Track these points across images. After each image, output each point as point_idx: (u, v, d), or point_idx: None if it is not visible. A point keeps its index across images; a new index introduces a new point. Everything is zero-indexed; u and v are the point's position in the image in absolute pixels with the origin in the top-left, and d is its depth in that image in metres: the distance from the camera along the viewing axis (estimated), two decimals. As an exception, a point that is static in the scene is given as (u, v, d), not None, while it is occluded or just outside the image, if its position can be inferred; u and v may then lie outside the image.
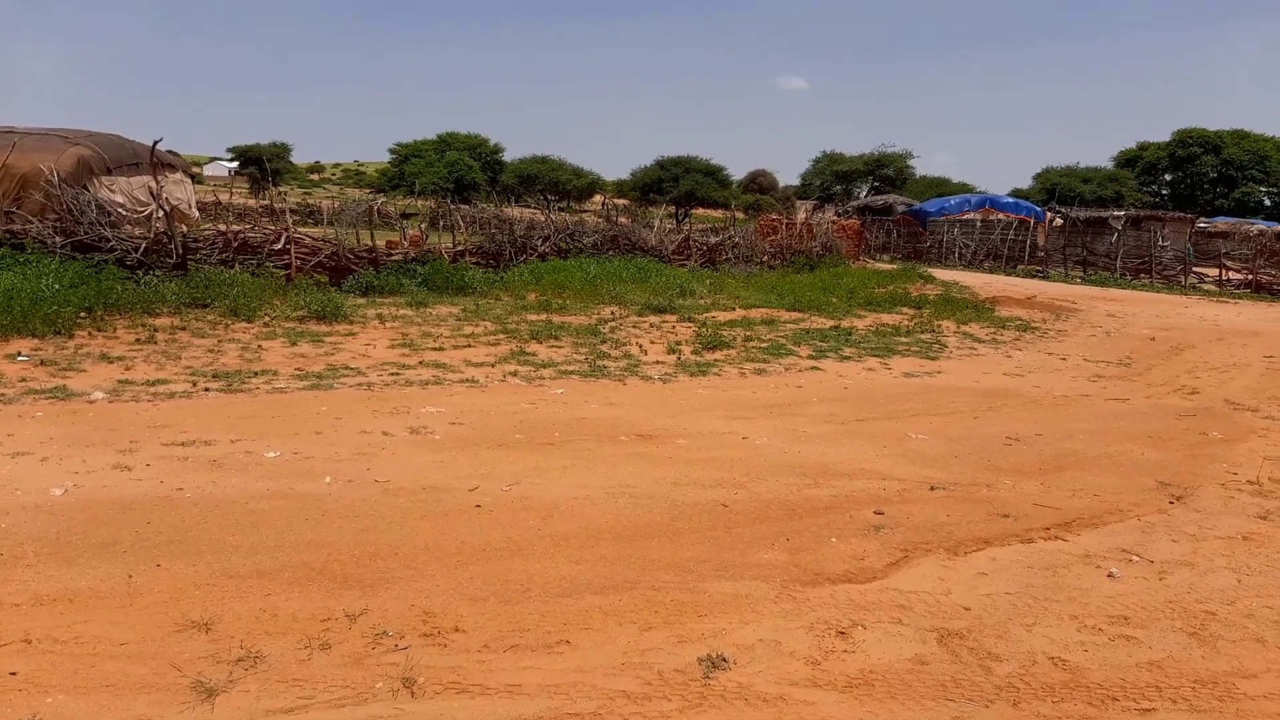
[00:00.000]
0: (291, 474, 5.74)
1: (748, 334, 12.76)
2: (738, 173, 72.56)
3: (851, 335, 13.28)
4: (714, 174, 63.64)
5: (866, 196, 54.49)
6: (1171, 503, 5.97)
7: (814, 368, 10.66)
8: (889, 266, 27.57)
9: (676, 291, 16.50)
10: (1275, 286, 26.58)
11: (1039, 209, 39.00)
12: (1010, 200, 41.10)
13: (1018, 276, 30.11)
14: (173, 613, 3.86)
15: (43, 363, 8.69)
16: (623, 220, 24.42)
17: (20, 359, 8.78)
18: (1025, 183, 66.63)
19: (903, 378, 10.33)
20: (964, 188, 56.87)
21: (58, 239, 13.25)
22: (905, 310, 16.67)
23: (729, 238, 24.42)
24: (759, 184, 75.29)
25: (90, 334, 10.16)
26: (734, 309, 15.43)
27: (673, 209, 55.39)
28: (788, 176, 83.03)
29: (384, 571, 4.38)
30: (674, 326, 13.27)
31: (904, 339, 13.27)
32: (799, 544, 4.97)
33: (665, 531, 5.07)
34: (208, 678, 3.37)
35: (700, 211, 59.98)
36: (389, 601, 4.07)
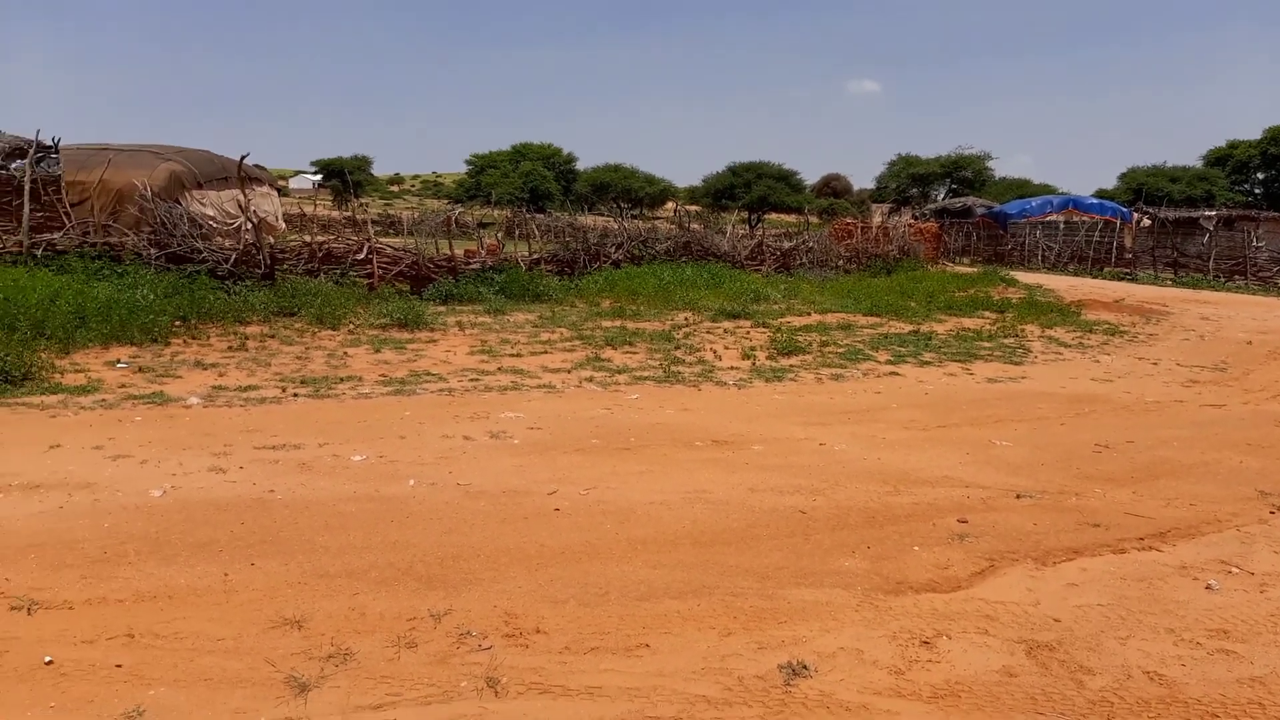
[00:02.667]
0: (377, 477, 5.89)
1: (824, 339, 12.64)
2: (811, 177, 71.98)
3: (931, 340, 13.04)
4: (787, 179, 63.23)
5: (944, 199, 53.44)
6: (1272, 513, 5.73)
7: (893, 373, 10.51)
8: (969, 270, 27.01)
9: (750, 297, 16.43)
10: (1383, 287, 25.28)
11: (1125, 209, 37.72)
12: (1094, 201, 39.83)
13: (1104, 279, 29.19)
14: (267, 610, 3.99)
15: (141, 369, 9.07)
16: (695, 226, 24.38)
17: (120, 366, 9.18)
18: (1110, 183, 64.51)
19: (985, 383, 10.11)
20: (1045, 189, 55.35)
21: (152, 251, 13.81)
22: (987, 314, 16.32)
23: (803, 242, 24.21)
24: (833, 188, 74.47)
25: (185, 342, 10.57)
26: (809, 314, 15.29)
27: (745, 214, 55.20)
28: (862, 180, 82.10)
29: (467, 573, 4.46)
30: (748, 332, 13.21)
31: (986, 343, 12.98)
32: (880, 552, 4.91)
33: (743, 537, 5.06)
34: (300, 673, 3.48)
35: (773, 216, 59.66)
36: (472, 602, 4.14)
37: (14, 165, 19.41)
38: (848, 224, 29.46)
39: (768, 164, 63.41)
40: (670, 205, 61.50)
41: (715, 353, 11.32)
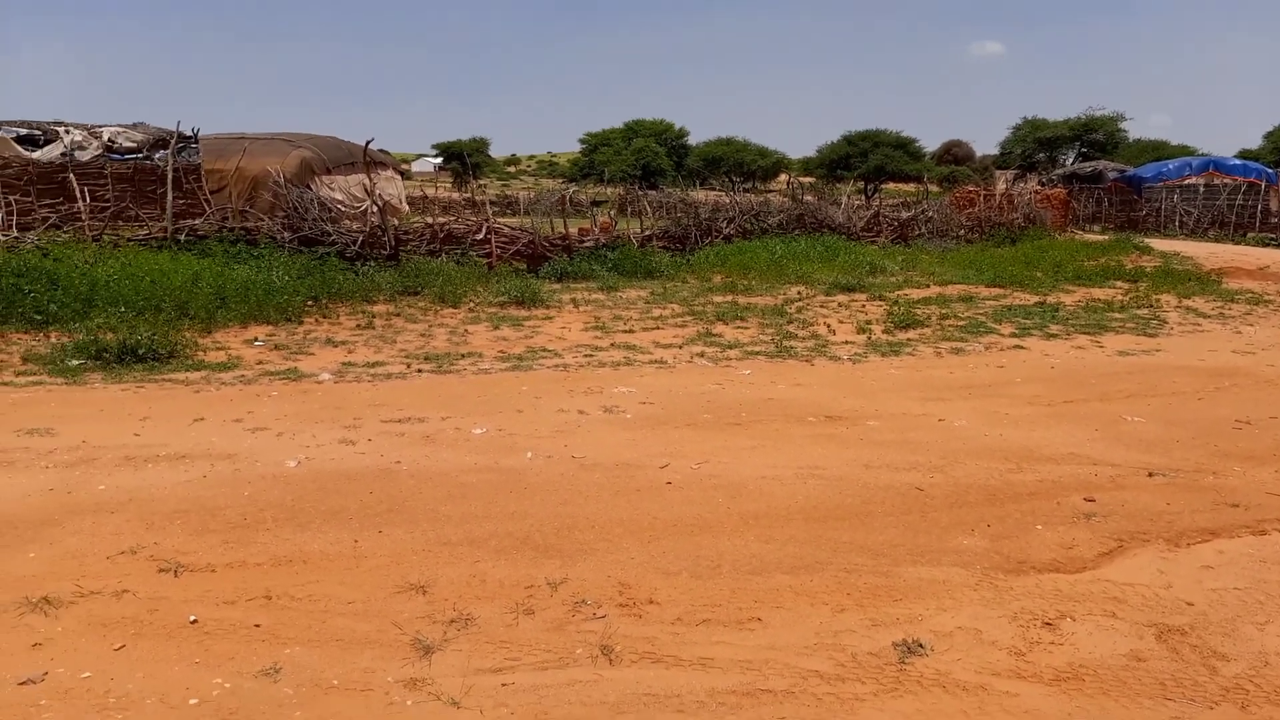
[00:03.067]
0: (496, 449, 6.06)
1: (943, 311, 12.30)
2: (931, 144, 69.63)
3: (1058, 311, 12.52)
4: (905, 146, 61.38)
5: (1073, 164, 50.89)
6: None
7: (1017, 346, 10.15)
8: (1099, 237, 25.73)
9: (866, 269, 16.10)
10: None
11: (1271, 171, 35.17)
12: (1237, 162, 37.22)
13: (1247, 245, 27.32)
14: (393, 575, 4.18)
15: (276, 347, 9.56)
16: (808, 198, 24.03)
17: (257, 344, 9.70)
18: (1254, 143, 60.19)
19: (1116, 356, 9.66)
20: (1183, 150, 52.09)
21: (286, 234, 14.48)
22: (1119, 284, 15.55)
23: (922, 212, 23.54)
24: (954, 155, 71.91)
25: (317, 320, 11.09)
26: (928, 286, 14.89)
27: (861, 185, 53.94)
28: (985, 146, 78.99)
29: (581, 543, 4.56)
30: (864, 305, 12.97)
31: (1118, 314, 12.38)
32: (1001, 530, 4.78)
33: (857, 514, 5.01)
34: (425, 636, 3.64)
35: (891, 186, 58.09)
36: (587, 572, 4.24)
37: (158, 155, 20.63)
38: (969, 192, 28.43)
39: (885, 132, 61.70)
40: (783, 177, 60.64)
41: (829, 327, 11.16)
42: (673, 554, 4.45)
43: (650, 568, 4.30)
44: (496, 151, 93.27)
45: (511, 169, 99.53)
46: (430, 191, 39.08)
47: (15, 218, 14.09)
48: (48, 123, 21.43)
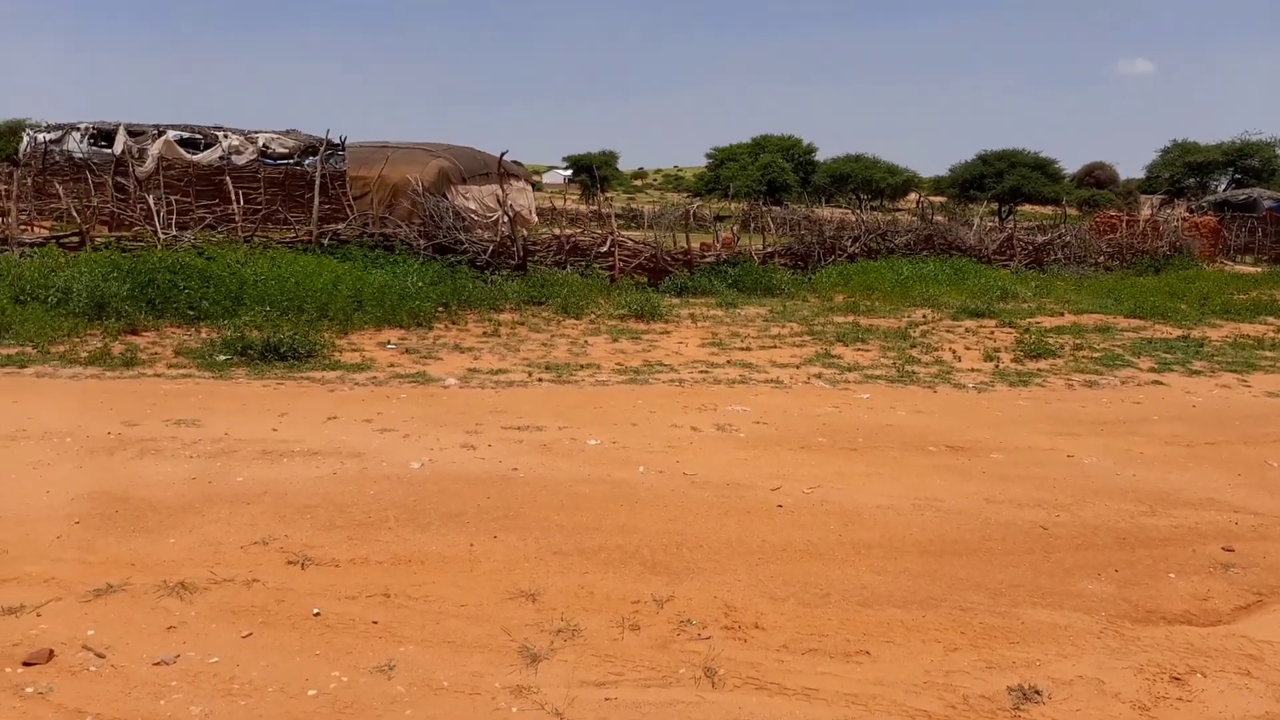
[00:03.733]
0: (609, 461, 6.14)
1: (1077, 341, 11.78)
2: (1071, 166, 66.64)
3: (1203, 347, 11.82)
4: (1043, 168, 58.97)
5: (1225, 190, 47.96)
6: None
7: (1156, 382, 9.63)
8: (1253, 270, 24.15)
9: (996, 294, 15.57)
10: None
11: None
12: None
13: None
14: (505, 581, 4.29)
15: (407, 351, 9.94)
16: (938, 219, 23.43)
17: (389, 347, 10.11)
18: None
19: (1265, 397, 9.05)
20: (1355, 177, 48.30)
21: (421, 241, 15.04)
22: (1271, 320, 14.56)
23: (1058, 236, 22.62)
24: (1096, 178, 68.72)
25: (446, 326, 11.48)
26: (1062, 314, 14.29)
27: (995, 206, 52.20)
28: (1130, 169, 75.25)
29: (689, 561, 4.57)
30: (992, 332, 12.55)
31: (1269, 353, 11.59)
32: (1129, 576, 4.55)
33: (975, 550, 4.85)
34: (532, 644, 3.71)
35: (1027, 208, 55.99)
36: (693, 591, 4.25)
37: (307, 161, 21.76)
38: (1111, 217, 27.18)
39: (1022, 152, 59.46)
40: (913, 196, 59.31)
41: (954, 353, 10.85)
42: (781, 579, 4.42)
43: (757, 591, 4.28)
44: (624, 165, 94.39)
45: (638, 182, 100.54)
46: (559, 203, 39.89)
47: (175, 217, 15.10)
48: (208, 127, 22.93)
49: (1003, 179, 57.10)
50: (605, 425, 7.08)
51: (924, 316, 13.71)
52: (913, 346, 11.19)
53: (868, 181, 64.33)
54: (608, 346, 10.75)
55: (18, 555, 4.35)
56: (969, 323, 13.29)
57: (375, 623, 3.86)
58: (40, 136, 24.04)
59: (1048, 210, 48.34)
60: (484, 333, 11.21)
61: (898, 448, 6.75)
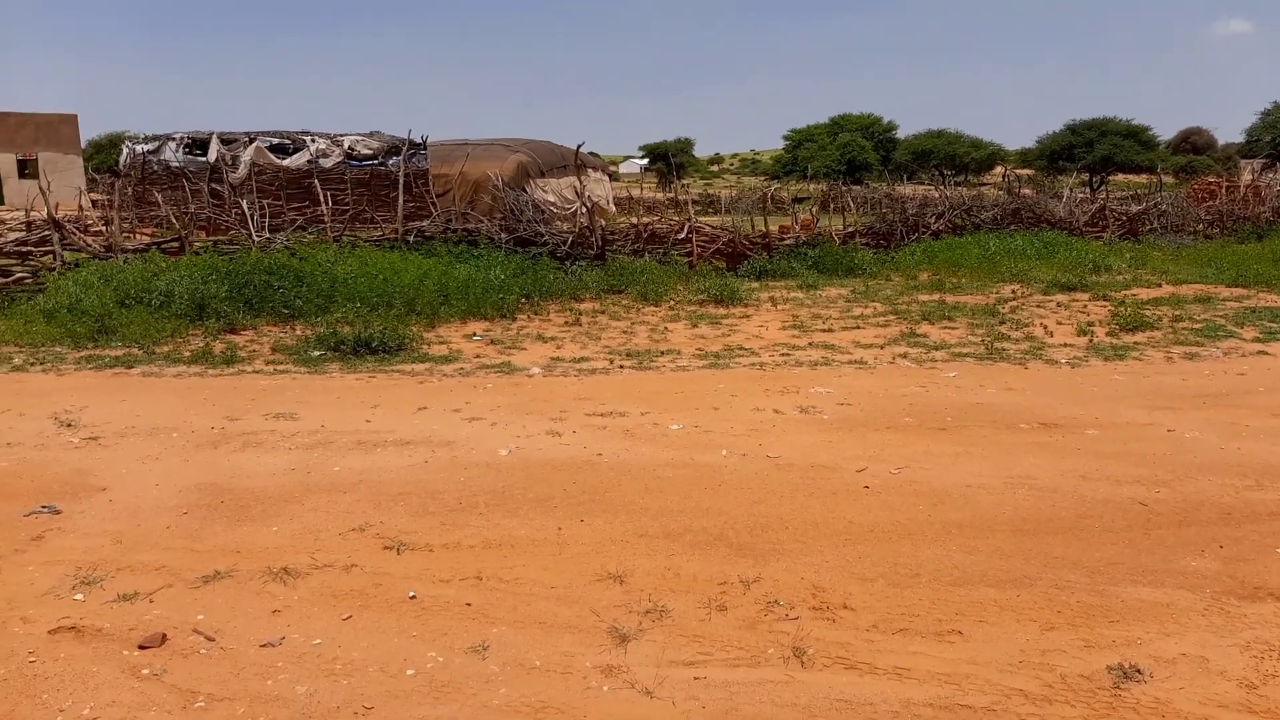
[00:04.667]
0: (692, 446, 6.16)
1: (1176, 313, 11.32)
2: (1165, 132, 63.70)
3: (1316, 315, 11.23)
4: (1136, 135, 56.56)
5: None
6: None
7: (1261, 352, 9.20)
8: (1372, 232, 22.78)
9: (1089, 267, 15.05)
10: None
11: None
12: None
13: None
14: (593, 563, 4.35)
15: (492, 342, 10.12)
16: (1026, 192, 22.71)
17: (475, 339, 10.31)
18: None
19: (1387, 366, 8.56)
20: None
21: (502, 235, 15.25)
22: (1393, 285, 13.73)
23: (1153, 205, 21.70)
24: (1192, 143, 65.61)
25: (529, 317, 11.64)
26: (1159, 285, 13.74)
27: (1085, 177, 50.37)
28: (1228, 134, 71.52)
29: (775, 543, 4.57)
30: (1085, 305, 12.14)
31: (1391, 319, 10.95)
32: (1235, 552, 4.37)
33: (1071, 528, 4.72)
34: (621, 625, 3.76)
35: (1120, 178, 53.87)
36: (780, 572, 4.24)
37: (391, 161, 22.27)
38: (1209, 184, 25.97)
39: (1113, 120, 57.14)
40: (999, 170, 57.65)
41: (1046, 328, 10.54)
42: (869, 559, 4.38)
43: (845, 572, 4.25)
44: (701, 151, 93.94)
45: (715, 168, 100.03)
46: (635, 192, 39.96)
47: (268, 220, 15.63)
48: (296, 132, 23.66)
49: (1093, 148, 54.99)
50: (687, 410, 7.10)
51: (1013, 292, 13.35)
52: (1002, 323, 10.91)
53: (951, 157, 62.73)
54: (687, 332, 10.76)
55: (131, 545, 4.59)
56: (1060, 297, 12.88)
57: (468, 605, 3.96)
58: (139, 148, 25.14)
59: (1141, 179, 46.49)
60: (565, 322, 11.33)
61: (988, 426, 6.60)
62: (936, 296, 13.03)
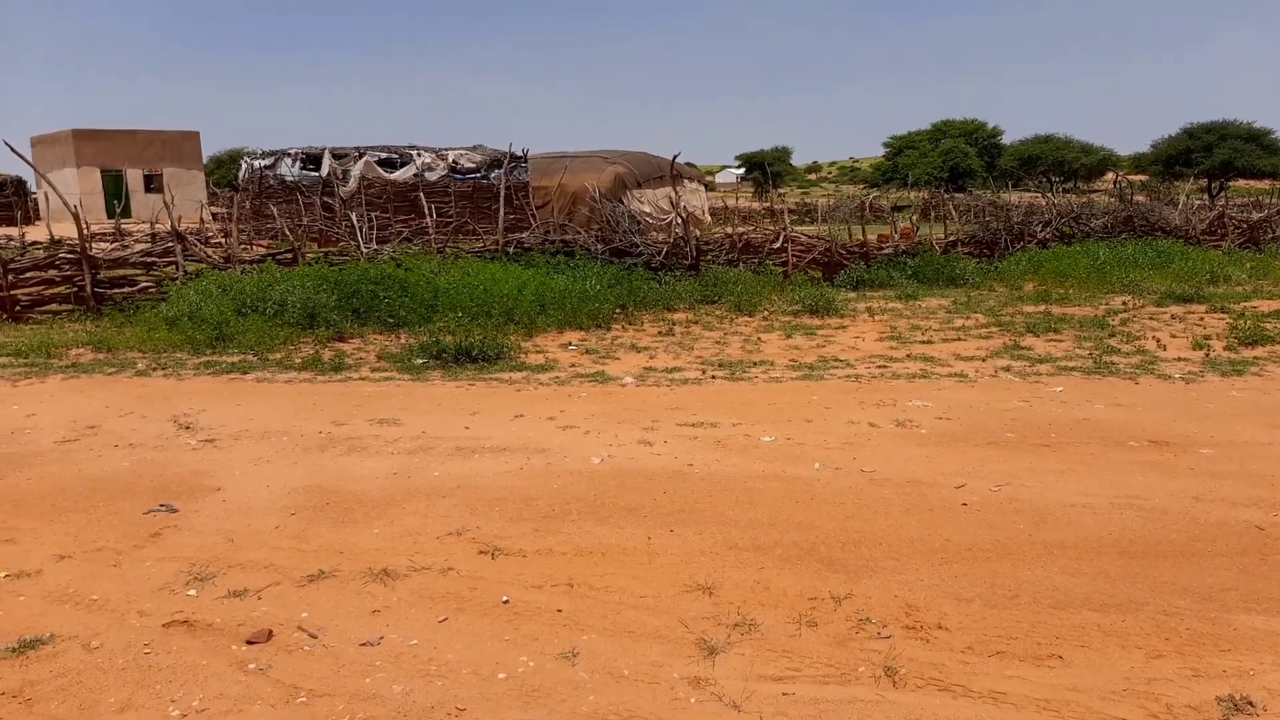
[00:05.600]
0: (784, 458, 6.13)
1: (1304, 327, 10.70)
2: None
3: None
4: (1258, 139, 53.60)
5: None
6: None
7: (1401, 370, 8.62)
8: None
9: (1205, 277, 14.36)
10: None
11: None
12: None
13: None
14: (682, 574, 4.37)
15: (587, 351, 10.25)
16: (1139, 198, 21.81)
17: (570, 348, 10.46)
18: None
19: None
20: None
21: (598, 246, 15.45)
22: None
23: (1276, 212, 20.57)
24: (1323, 146, 61.81)
25: (623, 327, 11.75)
26: (1285, 297, 13.02)
27: (1203, 183, 48.04)
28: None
29: (868, 560, 4.51)
30: (1201, 318, 11.58)
31: None
32: (1365, 583, 4.12)
33: (1182, 551, 4.52)
34: (709, 637, 3.77)
35: (1240, 184, 51.22)
36: (872, 589, 4.18)
37: (493, 174, 22.79)
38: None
39: (1234, 123, 54.33)
40: (1110, 176, 55.51)
41: (1158, 341, 10.10)
42: (966, 579, 4.28)
43: (940, 591, 4.16)
44: (798, 159, 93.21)
45: (812, 176, 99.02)
46: (731, 202, 39.89)
47: (375, 231, 16.19)
48: (403, 147, 24.44)
49: (1212, 153, 52.44)
50: (779, 422, 7.05)
51: (1124, 303, 12.83)
52: (1111, 335, 10.50)
53: (1059, 163, 60.73)
54: (781, 343, 10.69)
55: (241, 543, 4.82)
56: (1175, 309, 12.33)
57: (559, 611, 4.02)
58: (256, 163, 26.35)
59: (1264, 185, 44.06)
60: (659, 332, 11.40)
61: (1095, 443, 6.37)
62: (1042, 308, 12.63)
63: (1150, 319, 11.64)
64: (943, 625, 3.85)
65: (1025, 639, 3.73)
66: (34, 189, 39.13)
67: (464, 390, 8.39)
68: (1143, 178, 50.73)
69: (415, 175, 23.34)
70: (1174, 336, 10.39)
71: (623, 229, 16.21)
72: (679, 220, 16.14)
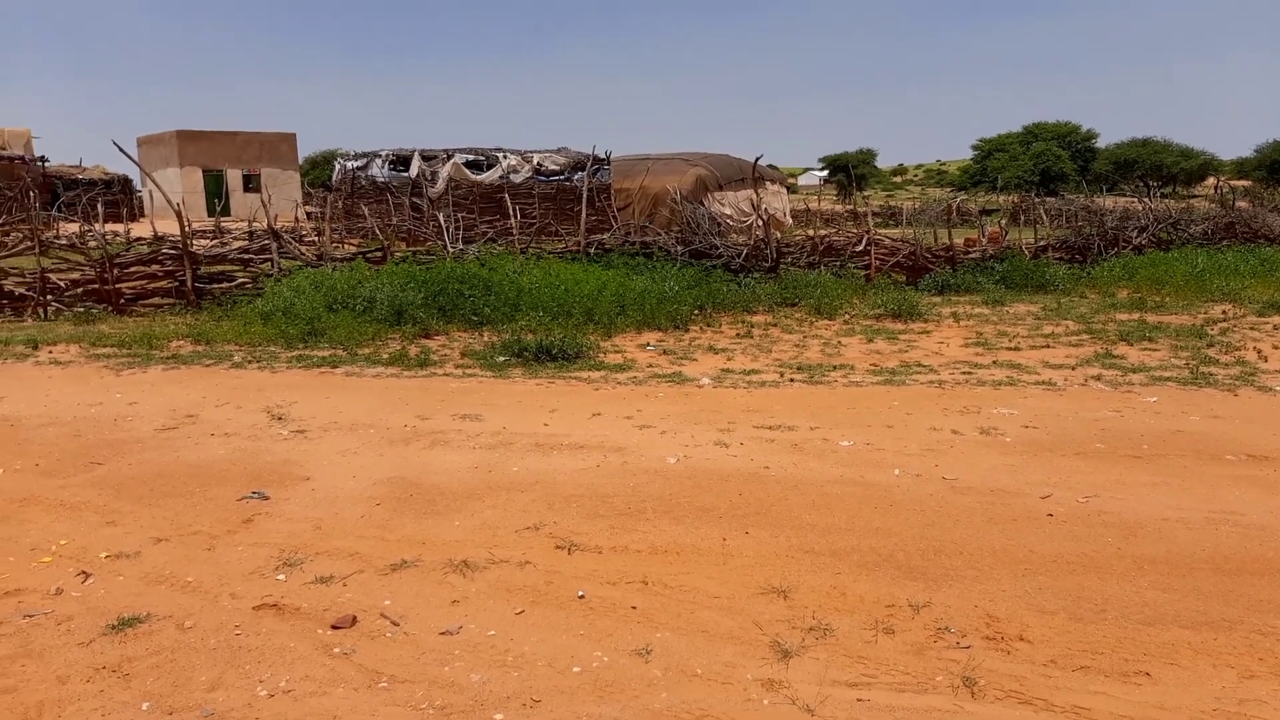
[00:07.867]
0: (863, 463, 6.06)
1: None
2: None
3: None
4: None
5: None
6: None
7: None
8: None
9: (1315, 287, 13.69)
10: None
11: None
12: None
13: None
14: (756, 576, 4.36)
15: (665, 352, 10.29)
16: (1241, 205, 20.89)
17: (648, 349, 10.51)
18: None
19: None
20: None
21: (678, 248, 15.49)
22: None
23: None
24: None
25: (701, 329, 11.76)
26: (1403, 309, 12.32)
27: (1317, 188, 45.69)
28: None
29: (948, 568, 4.43)
30: (1311, 329, 11.05)
31: None
32: None
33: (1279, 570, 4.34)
34: (784, 640, 3.76)
35: (1359, 188, 48.53)
36: (951, 598, 4.11)
37: (576, 176, 23.04)
38: None
39: (1351, 125, 51.63)
40: (1211, 181, 53.31)
41: (1260, 352, 9.67)
42: (1050, 591, 4.18)
43: (1023, 603, 4.07)
44: (883, 162, 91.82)
45: (897, 179, 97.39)
46: (813, 205, 39.49)
47: (461, 231, 16.50)
48: (490, 149, 24.88)
49: (1325, 156, 49.87)
50: (858, 426, 6.98)
51: (1223, 313, 12.31)
52: (1210, 345, 10.09)
53: (1157, 167, 58.57)
54: (862, 347, 10.55)
55: (329, 531, 4.98)
56: (1277, 319, 11.78)
57: (634, 608, 4.06)
58: (349, 164, 27.12)
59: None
60: (737, 334, 11.37)
61: (1189, 456, 6.14)
62: (1136, 315, 12.21)
63: (1251, 329, 11.15)
64: (1024, 637, 3.77)
65: (1111, 654, 3.62)
66: (139, 187, 40.91)
67: (544, 388, 8.50)
68: (1245, 183, 48.52)
69: (501, 177, 23.73)
70: (1276, 348, 9.94)
71: (703, 231, 16.22)
72: (759, 222, 16.07)
